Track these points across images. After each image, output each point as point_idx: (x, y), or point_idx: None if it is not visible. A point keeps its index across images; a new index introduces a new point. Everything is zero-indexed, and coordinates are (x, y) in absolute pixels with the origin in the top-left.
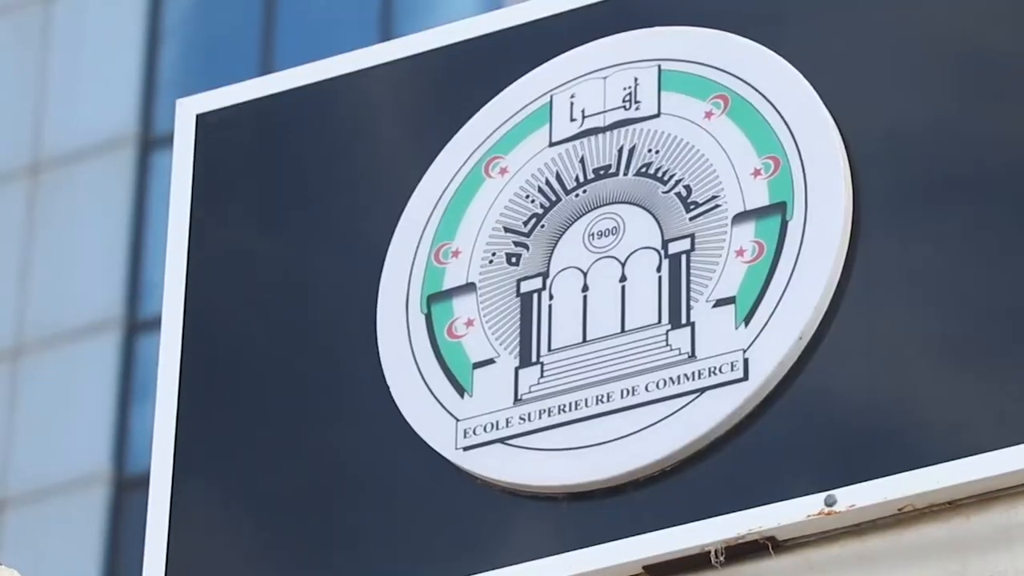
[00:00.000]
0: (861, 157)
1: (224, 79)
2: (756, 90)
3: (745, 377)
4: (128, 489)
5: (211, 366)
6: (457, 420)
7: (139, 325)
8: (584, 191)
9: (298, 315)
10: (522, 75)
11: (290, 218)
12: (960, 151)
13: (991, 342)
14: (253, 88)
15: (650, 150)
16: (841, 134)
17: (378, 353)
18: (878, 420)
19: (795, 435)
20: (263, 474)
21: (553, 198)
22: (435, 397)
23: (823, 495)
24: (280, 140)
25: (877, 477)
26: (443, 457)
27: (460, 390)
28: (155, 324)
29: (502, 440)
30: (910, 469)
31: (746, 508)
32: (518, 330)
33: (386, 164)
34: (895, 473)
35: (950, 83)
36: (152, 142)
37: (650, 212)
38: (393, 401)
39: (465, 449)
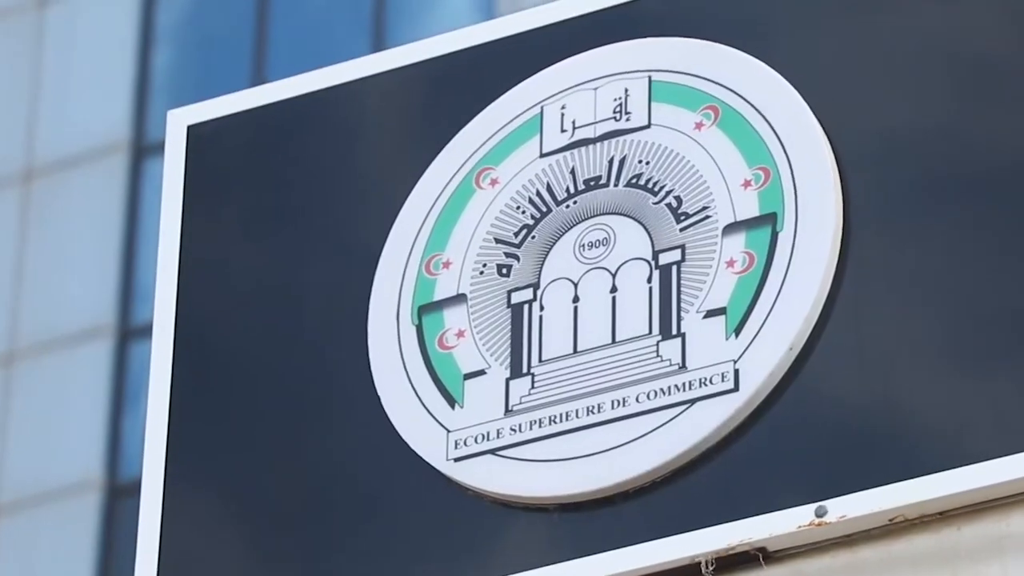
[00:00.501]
0: (851, 166)
1: (217, 85)
2: (746, 101)
3: (736, 388)
4: (121, 496)
5: (202, 375)
6: (448, 431)
7: (131, 332)
8: (575, 202)
9: (290, 324)
10: (513, 86)
11: (282, 228)
12: (951, 158)
13: (983, 352)
14: (244, 99)
15: (640, 161)
16: (831, 144)
17: (369, 363)
18: (868, 430)
19: (785, 446)
20: (254, 483)
21: (544, 209)
22: (426, 408)
23: (813, 506)
24: (272, 151)
25: (868, 488)
26: (434, 468)
27: (451, 401)
28: (148, 331)
29: (493, 451)
30: (901, 480)
31: (736, 519)
32: (509, 341)
33: (378, 175)
34: (886, 484)
35: (941, 90)
36: (145, 149)
37: (640, 223)
38: (384, 412)
39: (456, 460)
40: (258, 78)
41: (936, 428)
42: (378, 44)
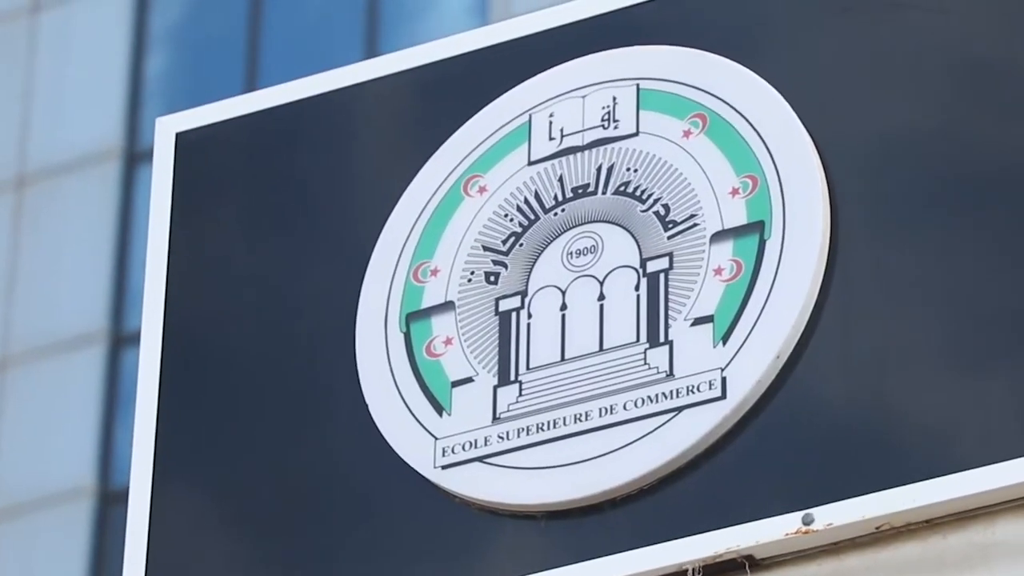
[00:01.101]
0: (841, 173)
1: (210, 91)
2: (734, 109)
3: (723, 396)
4: (113, 502)
5: (191, 382)
6: (435, 439)
7: (124, 338)
8: (563, 210)
9: (280, 331)
10: (502, 93)
11: (272, 235)
12: (942, 163)
13: (970, 359)
14: (234, 106)
15: (628, 169)
16: (821, 151)
17: (357, 371)
18: (856, 438)
19: (773, 453)
20: (242, 490)
21: (532, 217)
22: (413, 415)
23: (800, 514)
24: (262, 158)
25: (854, 496)
26: (421, 476)
27: (439, 408)
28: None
29: (480, 459)
30: (887, 488)
31: (724, 527)
32: (497, 348)
33: (369, 181)
34: (872, 492)
35: (931, 95)
36: (138, 155)
37: (628, 231)
38: (372, 419)
39: (443, 468)
40: (251, 84)
41: (923, 436)
42: (371, 50)
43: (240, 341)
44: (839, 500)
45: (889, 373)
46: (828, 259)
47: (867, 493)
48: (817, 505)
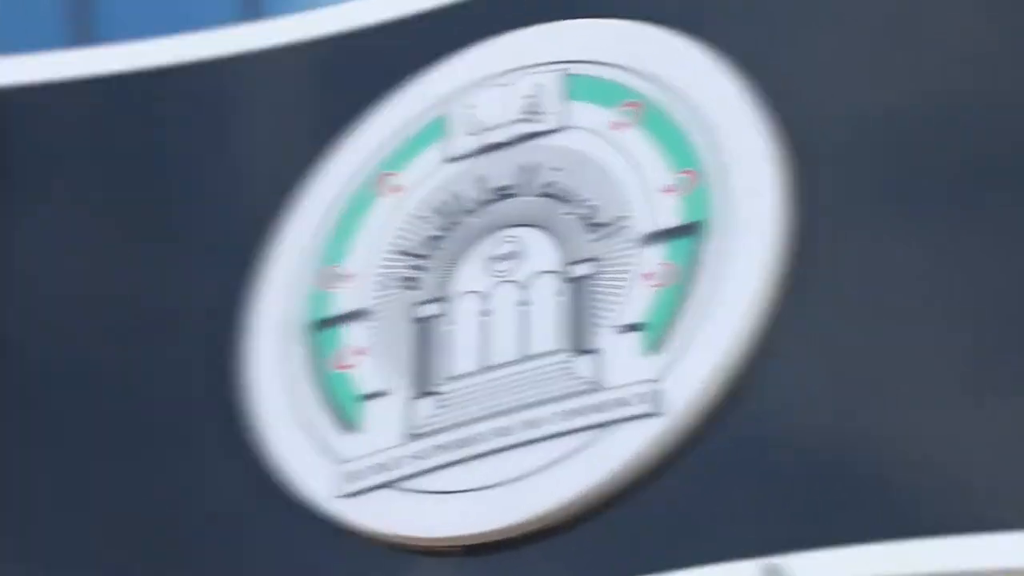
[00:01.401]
0: (811, 159)
1: (23, 36)
2: (674, 93)
3: (657, 411)
4: None
5: (14, 414)
6: (340, 462)
7: None
8: (484, 212)
9: (132, 341)
10: (416, 75)
11: (122, 231)
12: (927, 149)
13: (983, 369)
14: (65, 64)
15: (553, 168)
16: (790, 134)
17: (244, 387)
18: (831, 471)
19: (723, 483)
20: (92, 537)
21: (451, 219)
22: (315, 437)
23: (763, 562)
24: (109, 135)
25: (835, 545)
26: (321, 508)
27: (346, 427)
28: None
29: (391, 483)
30: (884, 539)
31: (669, 569)
32: (413, 358)
33: (251, 172)
34: (861, 542)
35: (917, 72)
36: None
37: (551, 234)
38: (264, 445)
39: (349, 496)
40: (81, 33)
41: (928, 473)
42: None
43: (80, 351)
44: (815, 548)
45: (871, 386)
46: (787, 256)
47: (853, 543)
48: (786, 552)
